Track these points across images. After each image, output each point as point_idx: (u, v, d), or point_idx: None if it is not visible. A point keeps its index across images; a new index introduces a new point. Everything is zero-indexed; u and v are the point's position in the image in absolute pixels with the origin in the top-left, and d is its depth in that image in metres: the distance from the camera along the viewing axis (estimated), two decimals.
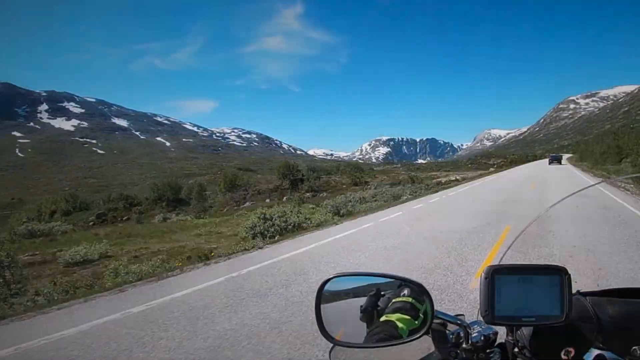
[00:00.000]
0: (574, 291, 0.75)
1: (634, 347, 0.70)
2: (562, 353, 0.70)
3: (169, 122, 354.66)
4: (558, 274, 0.69)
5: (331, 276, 0.76)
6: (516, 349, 0.74)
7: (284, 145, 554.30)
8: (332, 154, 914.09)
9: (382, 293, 0.75)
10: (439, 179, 31.62)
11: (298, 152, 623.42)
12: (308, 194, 31.50)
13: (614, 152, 37.74)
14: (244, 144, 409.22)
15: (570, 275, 0.69)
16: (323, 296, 0.76)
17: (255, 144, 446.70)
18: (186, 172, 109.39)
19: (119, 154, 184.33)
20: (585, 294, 0.77)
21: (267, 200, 28.51)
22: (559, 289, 0.68)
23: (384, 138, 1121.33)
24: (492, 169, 48.23)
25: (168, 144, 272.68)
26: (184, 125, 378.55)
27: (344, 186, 33.99)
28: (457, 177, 31.93)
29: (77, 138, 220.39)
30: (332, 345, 0.75)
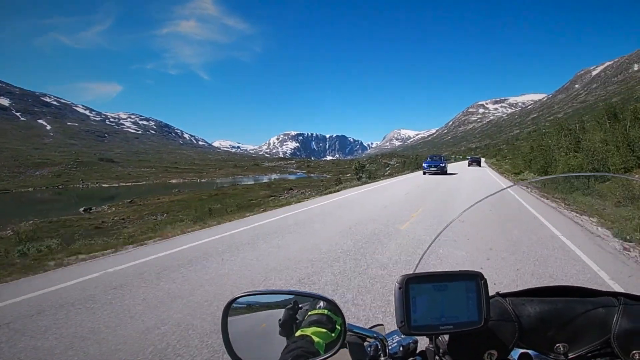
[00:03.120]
0: (493, 293, 0.77)
1: (557, 345, 0.73)
2: (485, 356, 0.70)
3: (57, 104, 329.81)
4: (474, 280, 0.69)
5: (240, 294, 0.75)
6: (437, 357, 0.73)
7: (185, 135, 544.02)
8: (238, 147, 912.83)
9: (300, 306, 0.74)
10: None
11: (200, 142, 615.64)
12: None
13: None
14: (139, 131, 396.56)
15: (486, 280, 0.70)
16: (236, 311, 0.74)
17: (152, 131, 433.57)
18: (37, 161, 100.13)
19: None
20: (504, 295, 0.79)
21: None
22: (475, 294, 0.68)
23: (293, 133, 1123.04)
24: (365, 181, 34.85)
25: (49, 127, 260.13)
26: (75, 108, 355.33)
27: None
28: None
29: None
30: None
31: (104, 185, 72.28)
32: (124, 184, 73.64)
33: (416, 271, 0.73)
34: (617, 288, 4.20)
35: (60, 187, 67.09)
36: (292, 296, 0.76)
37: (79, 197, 45.07)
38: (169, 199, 30.49)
